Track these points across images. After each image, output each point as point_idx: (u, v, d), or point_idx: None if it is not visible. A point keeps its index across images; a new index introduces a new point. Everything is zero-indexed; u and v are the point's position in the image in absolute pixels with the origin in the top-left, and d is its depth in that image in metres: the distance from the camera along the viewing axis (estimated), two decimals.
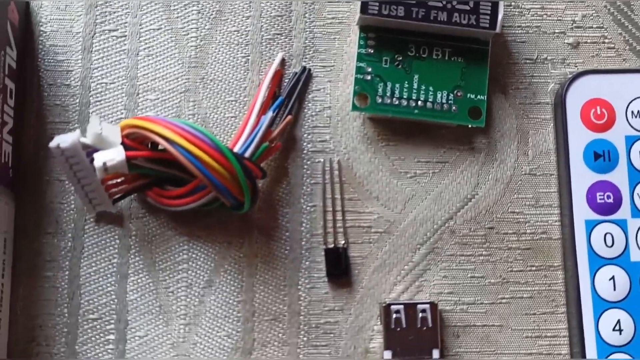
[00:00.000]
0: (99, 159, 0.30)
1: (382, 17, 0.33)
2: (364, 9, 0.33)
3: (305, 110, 0.35)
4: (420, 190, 0.34)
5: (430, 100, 0.33)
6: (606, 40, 0.35)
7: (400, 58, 0.34)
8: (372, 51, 0.34)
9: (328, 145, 0.34)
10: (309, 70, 0.35)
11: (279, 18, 0.35)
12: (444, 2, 0.33)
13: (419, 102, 0.33)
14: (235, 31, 0.35)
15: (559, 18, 0.36)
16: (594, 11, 0.36)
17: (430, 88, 0.33)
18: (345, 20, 0.35)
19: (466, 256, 0.34)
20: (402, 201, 0.34)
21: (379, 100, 0.33)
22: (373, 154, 0.34)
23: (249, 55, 0.35)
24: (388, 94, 0.33)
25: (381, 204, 0.34)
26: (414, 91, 0.33)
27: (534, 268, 0.34)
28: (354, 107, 0.34)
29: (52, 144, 0.30)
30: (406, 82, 0.34)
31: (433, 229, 0.34)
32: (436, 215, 0.34)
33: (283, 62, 0.35)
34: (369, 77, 0.34)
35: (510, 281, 0.33)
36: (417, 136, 0.34)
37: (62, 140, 0.30)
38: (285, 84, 0.35)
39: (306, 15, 0.35)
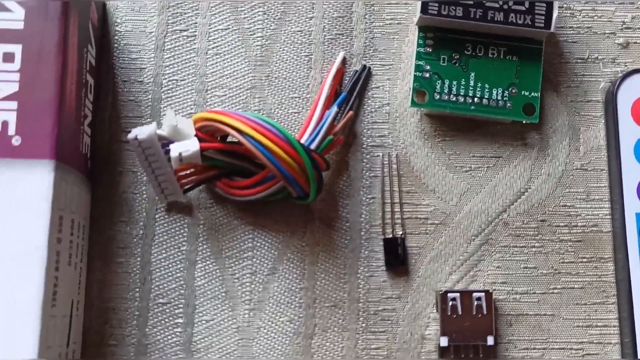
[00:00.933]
0: (175, 149, 0.32)
1: (441, 17, 0.34)
2: (424, 9, 0.34)
3: (365, 106, 0.36)
4: (475, 184, 0.36)
5: (486, 97, 0.35)
6: None
7: (458, 57, 0.35)
8: (430, 50, 0.35)
9: (387, 140, 0.36)
10: (369, 68, 0.36)
11: (340, 19, 0.37)
12: (501, 3, 0.34)
13: (475, 99, 0.35)
14: (298, 31, 0.37)
15: (609, 19, 0.37)
16: None
17: (486, 85, 0.35)
18: (403, 20, 0.37)
19: (519, 247, 0.35)
20: (458, 194, 0.35)
21: (437, 97, 0.35)
22: (430, 149, 0.36)
23: (311, 54, 0.37)
24: (445, 91, 0.35)
25: (437, 197, 0.35)
26: (471, 88, 0.35)
27: (585, 260, 0.35)
28: (413, 103, 0.35)
29: (130, 135, 0.32)
30: (463, 79, 0.35)
31: (487, 221, 0.35)
32: (490, 208, 0.35)
33: (344, 60, 0.37)
34: (427, 75, 0.35)
35: (561, 272, 0.35)
36: (472, 132, 0.36)
37: (140, 132, 0.32)
38: (346, 81, 0.36)
39: (366, 16, 0.37)
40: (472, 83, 0.35)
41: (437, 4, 0.34)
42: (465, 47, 0.35)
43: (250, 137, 0.32)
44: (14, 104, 0.30)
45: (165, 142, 0.33)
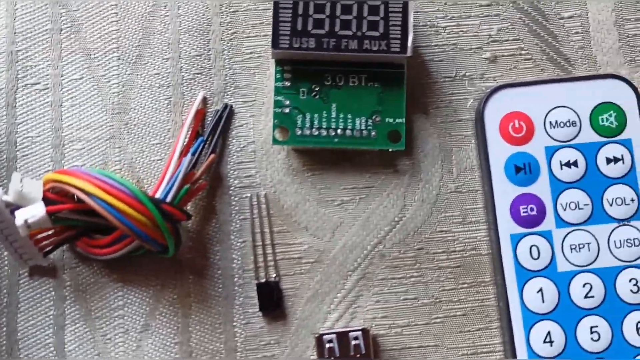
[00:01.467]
0: (20, 216, 0.31)
1: (294, 51, 0.33)
2: (275, 43, 0.33)
3: (230, 146, 0.35)
4: (348, 217, 0.34)
5: (349, 127, 0.34)
6: (523, 52, 0.36)
7: (317, 88, 0.34)
8: (289, 84, 0.34)
9: (255, 180, 0.35)
10: (231, 106, 0.35)
11: (198, 57, 0.36)
12: (354, 30, 0.33)
13: (339, 131, 0.34)
14: (155, 74, 0.36)
15: (475, 34, 0.36)
16: (509, 24, 0.36)
17: (349, 116, 0.34)
18: (263, 54, 0.36)
19: (397, 279, 0.34)
20: (331, 229, 0.34)
21: (299, 132, 0.34)
22: (299, 185, 0.35)
23: (171, 97, 0.35)
24: (307, 125, 0.34)
25: (310, 234, 0.34)
26: (333, 120, 0.34)
27: (465, 285, 0.34)
28: (275, 141, 0.34)
29: None
30: (324, 111, 0.34)
31: (363, 254, 0.34)
32: (365, 240, 0.34)
33: (204, 100, 0.35)
34: (287, 110, 0.34)
35: (443, 300, 0.34)
36: (341, 164, 0.35)
37: None
38: (208, 122, 0.35)
39: (224, 52, 0.36)
40: (334, 115, 0.34)
41: (288, 37, 0.33)
42: (324, 77, 0.34)
43: (95, 196, 0.31)
44: None
45: (14, 208, 0.32)
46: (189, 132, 0.34)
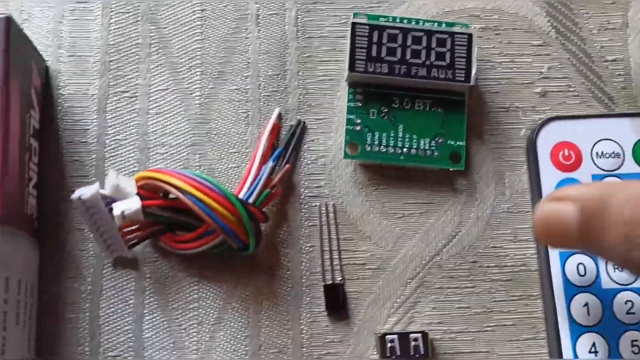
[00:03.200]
0: (118, 208, 0.34)
1: (368, 74, 0.36)
2: (351, 67, 0.36)
3: (302, 159, 0.38)
4: (409, 230, 0.37)
5: (414, 147, 0.37)
6: (571, 89, 0.39)
7: (386, 110, 0.37)
8: (360, 104, 0.37)
9: (323, 191, 0.38)
10: (304, 123, 0.38)
11: (275, 77, 0.39)
12: (423, 59, 0.36)
13: (404, 149, 0.37)
14: (235, 89, 0.39)
15: (527, 70, 0.39)
16: (558, 63, 0.39)
17: (414, 136, 0.37)
18: (334, 77, 0.39)
19: (453, 288, 0.37)
20: (393, 240, 0.37)
21: (368, 149, 0.37)
22: (365, 197, 0.38)
23: (249, 111, 0.38)
24: (376, 143, 0.37)
25: (374, 243, 0.37)
26: (400, 139, 0.37)
27: (515, 297, 0.37)
28: (346, 155, 0.37)
29: (74, 195, 0.33)
30: (392, 131, 0.37)
31: (422, 264, 0.37)
32: (424, 251, 0.37)
33: (280, 116, 0.38)
34: (358, 128, 0.37)
35: (494, 310, 0.37)
36: (404, 180, 0.38)
37: (83, 192, 0.33)
38: (282, 136, 0.38)
39: (299, 73, 0.39)
40: (400, 134, 0.37)
41: (363, 62, 0.36)
42: (392, 101, 0.37)
43: (189, 193, 0.33)
44: None
45: (109, 201, 0.34)
46: (267, 144, 0.37)
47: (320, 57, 0.39)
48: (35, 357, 0.35)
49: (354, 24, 0.36)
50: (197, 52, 0.39)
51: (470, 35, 0.37)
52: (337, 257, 0.37)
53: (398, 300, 0.37)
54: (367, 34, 0.37)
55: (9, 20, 0.32)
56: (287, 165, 0.37)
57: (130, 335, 0.36)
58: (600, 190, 0.26)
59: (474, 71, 0.36)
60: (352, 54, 0.37)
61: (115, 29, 0.39)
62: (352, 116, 0.37)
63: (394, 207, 0.38)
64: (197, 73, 0.39)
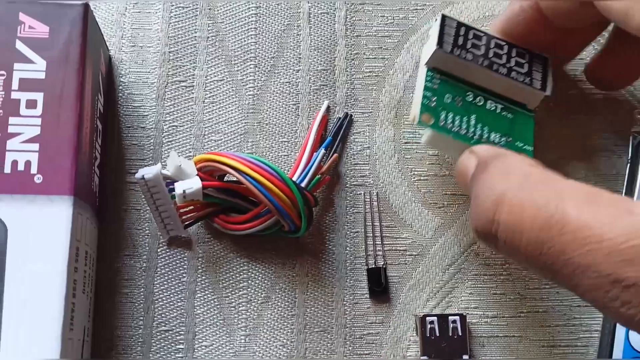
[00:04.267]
0: (180, 187, 0.36)
1: (452, 56, 0.36)
2: (440, 43, 0.36)
3: (348, 150, 0.40)
4: (448, 219, 0.39)
5: (485, 136, 0.36)
6: None
7: (460, 99, 0.37)
8: (436, 87, 0.36)
9: (368, 180, 0.40)
10: (351, 115, 0.40)
11: (324, 71, 0.41)
12: (504, 61, 0.36)
13: (475, 136, 0.36)
14: (287, 82, 0.41)
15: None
16: None
17: (486, 128, 0.36)
18: (380, 73, 0.41)
19: (489, 276, 0.39)
20: (433, 228, 0.39)
21: (442, 123, 0.36)
22: (407, 187, 0.40)
23: (299, 103, 0.41)
24: (449, 120, 0.36)
25: (414, 231, 0.39)
26: (472, 126, 0.36)
27: (547, 286, 0.39)
28: (420, 123, 0.35)
29: (137, 175, 0.36)
30: (465, 117, 0.36)
31: (459, 252, 0.39)
32: (462, 240, 0.39)
33: (328, 109, 0.40)
34: (433, 104, 0.36)
35: (527, 297, 0.39)
36: (443, 172, 0.40)
37: (146, 172, 0.36)
38: (330, 127, 0.40)
39: (347, 69, 0.41)
40: (472, 122, 0.36)
41: (450, 45, 0.36)
42: (466, 94, 0.36)
43: (248, 175, 0.35)
44: (35, 146, 0.33)
45: (169, 182, 0.36)
46: (317, 133, 0.39)
47: (367, 55, 0.41)
48: (93, 327, 0.37)
49: (444, 16, 0.37)
50: (252, 47, 0.41)
51: (546, 59, 0.37)
52: (379, 242, 0.39)
53: (437, 285, 0.39)
54: (455, 27, 0.36)
55: (86, 7, 0.34)
56: (335, 155, 0.39)
57: (182, 311, 0.38)
58: (495, 151, 0.32)
59: (550, 83, 0.37)
60: (440, 35, 0.36)
61: (175, 22, 0.41)
62: (428, 93, 0.36)
63: (434, 198, 0.40)
64: (251, 66, 0.41)
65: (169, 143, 0.40)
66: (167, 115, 0.40)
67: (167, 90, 0.40)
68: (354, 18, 0.42)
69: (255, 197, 0.36)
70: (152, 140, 0.40)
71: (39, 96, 0.33)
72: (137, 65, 0.41)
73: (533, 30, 0.37)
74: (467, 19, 0.42)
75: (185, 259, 0.38)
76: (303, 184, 0.37)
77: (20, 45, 0.34)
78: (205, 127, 0.40)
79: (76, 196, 0.33)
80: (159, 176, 0.36)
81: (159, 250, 0.38)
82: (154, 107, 0.40)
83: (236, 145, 0.40)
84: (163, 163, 0.39)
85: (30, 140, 0.33)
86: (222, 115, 0.40)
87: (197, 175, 0.36)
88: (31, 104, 0.33)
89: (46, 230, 0.32)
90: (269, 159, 0.40)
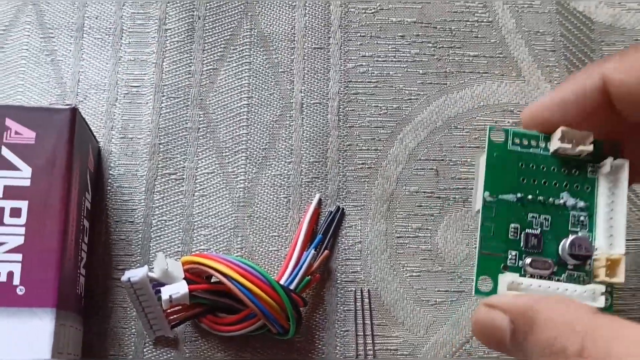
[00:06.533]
0: (166, 292, 0.35)
1: None
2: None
3: (339, 244, 0.39)
4: (440, 317, 0.39)
5: None
6: None
7: None
8: None
9: (359, 276, 0.39)
10: (343, 209, 0.40)
11: (316, 163, 0.41)
12: None
13: None
14: (278, 175, 0.40)
15: None
16: None
17: None
18: (372, 165, 0.41)
19: None
20: (425, 326, 0.39)
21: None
22: (399, 284, 0.39)
23: (290, 196, 0.40)
24: None
25: (406, 329, 0.38)
26: None
27: None
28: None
29: (124, 277, 0.35)
30: None
31: (452, 351, 0.38)
32: (454, 339, 0.38)
33: (320, 202, 0.40)
34: None
35: None
36: (436, 267, 0.39)
37: (133, 275, 0.35)
38: (321, 221, 0.40)
39: (339, 161, 0.41)
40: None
41: None
42: None
43: (234, 279, 0.35)
44: (19, 256, 0.32)
45: (156, 283, 0.36)
46: (307, 229, 0.39)
47: (359, 146, 0.41)
48: None
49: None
50: (243, 138, 0.41)
51: None
52: (370, 342, 0.38)
53: None
54: None
55: (74, 112, 0.34)
56: (326, 252, 0.39)
57: None
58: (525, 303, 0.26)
59: None
60: None
61: (165, 112, 0.41)
62: None
63: (426, 295, 0.39)
64: (242, 158, 0.41)
65: (158, 238, 0.39)
66: (156, 209, 0.40)
67: (156, 183, 0.40)
68: (346, 108, 0.41)
69: (241, 301, 0.35)
70: (140, 235, 0.39)
71: (23, 204, 0.33)
72: (127, 157, 0.40)
73: (593, 124, 0.29)
74: (462, 108, 0.41)
75: (171, 358, 0.38)
76: (292, 286, 0.36)
77: (5, 152, 0.33)
78: (194, 221, 0.40)
79: (59, 308, 0.32)
80: (145, 279, 0.35)
81: (145, 350, 0.38)
82: (142, 201, 0.40)
83: (225, 240, 0.39)
84: (150, 264, 0.38)
85: (14, 250, 0.32)
86: (212, 208, 0.40)
87: (185, 277, 0.36)
88: (15, 213, 0.33)
89: (27, 343, 0.31)
90: (258, 254, 0.39)
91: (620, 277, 0.27)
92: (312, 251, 0.37)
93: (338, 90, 0.42)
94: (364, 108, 0.42)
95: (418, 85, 0.42)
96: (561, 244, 0.29)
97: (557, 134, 0.28)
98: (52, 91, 0.41)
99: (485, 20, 0.43)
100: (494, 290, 0.28)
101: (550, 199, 0.29)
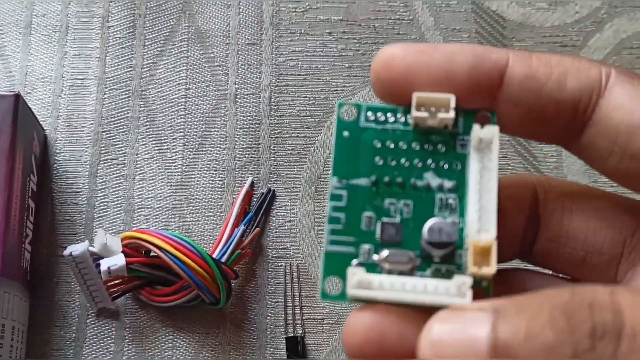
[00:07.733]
0: (104, 264, 0.38)
1: None
2: None
3: (271, 223, 0.43)
4: None
5: None
6: (509, 167, 0.44)
7: None
8: None
9: (289, 252, 0.42)
10: (274, 191, 0.43)
11: (249, 149, 0.44)
12: None
13: None
14: (213, 160, 0.44)
15: None
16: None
17: None
18: (302, 150, 0.44)
19: None
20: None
21: None
22: None
23: (224, 179, 0.43)
24: None
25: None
26: None
27: None
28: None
29: (66, 252, 0.38)
30: None
31: None
32: None
33: (252, 184, 0.43)
34: None
35: None
36: None
37: (74, 249, 0.38)
38: (254, 202, 0.43)
39: (271, 147, 0.44)
40: None
41: None
42: None
43: (169, 252, 0.38)
44: None
45: (96, 257, 0.39)
46: (239, 209, 0.42)
47: (290, 133, 0.44)
48: None
49: None
50: (181, 126, 0.44)
51: None
52: (298, 312, 0.41)
53: None
54: None
55: (17, 98, 0.37)
56: (257, 229, 0.42)
57: None
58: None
59: None
60: None
61: (108, 103, 0.44)
62: None
63: None
64: (180, 144, 0.44)
65: (100, 218, 0.42)
66: (99, 191, 0.43)
67: (99, 167, 0.43)
68: (278, 99, 0.45)
69: (175, 273, 0.38)
70: (83, 216, 0.42)
71: None
72: (72, 144, 0.43)
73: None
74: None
75: (113, 329, 0.40)
76: (223, 259, 0.39)
77: None
78: (135, 203, 0.43)
79: (3, 276, 0.35)
80: (86, 253, 0.38)
81: (88, 321, 0.40)
82: (86, 184, 0.43)
83: (164, 220, 0.42)
84: (92, 240, 0.41)
85: None
86: (151, 191, 0.43)
87: (123, 251, 0.39)
88: None
89: None
90: (195, 233, 0.42)
91: (491, 268, 0.22)
92: (242, 227, 0.41)
93: (270, 82, 0.45)
94: (294, 98, 0.45)
95: (344, 77, 0.45)
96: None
97: (413, 101, 0.23)
98: (1, 84, 0.44)
99: (406, 19, 0.47)
100: (342, 294, 0.22)
101: (412, 181, 0.23)
